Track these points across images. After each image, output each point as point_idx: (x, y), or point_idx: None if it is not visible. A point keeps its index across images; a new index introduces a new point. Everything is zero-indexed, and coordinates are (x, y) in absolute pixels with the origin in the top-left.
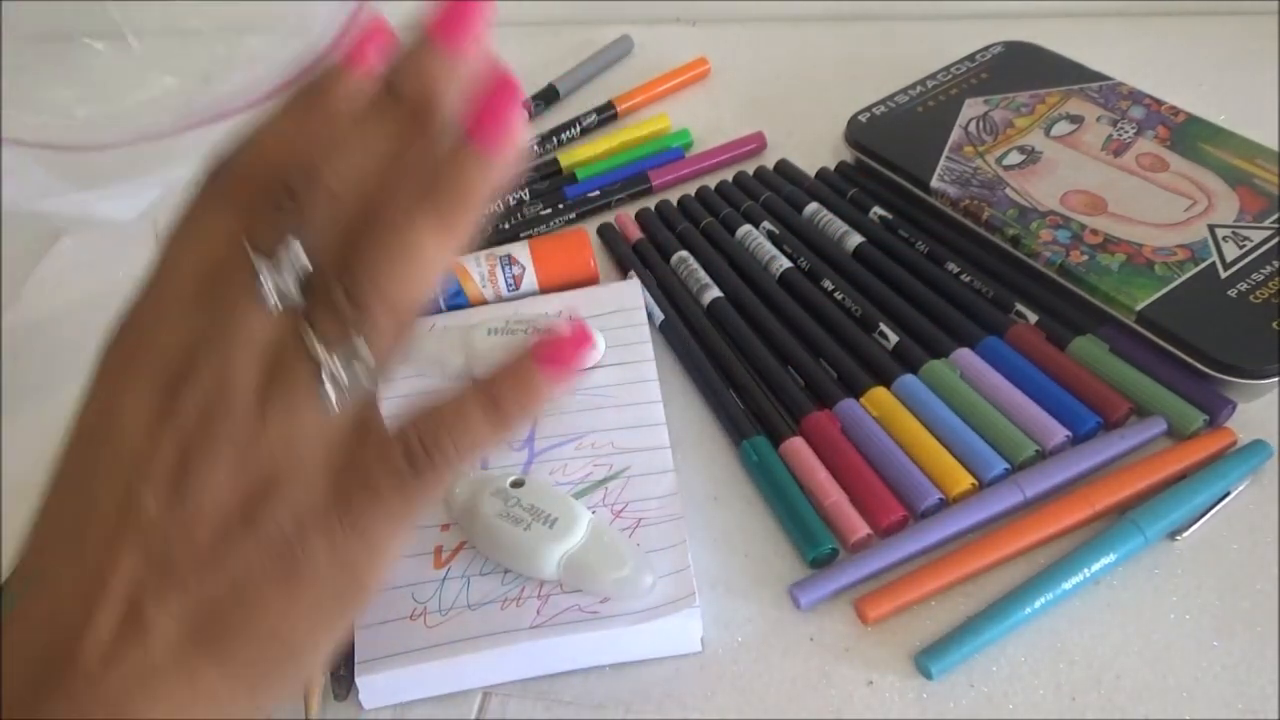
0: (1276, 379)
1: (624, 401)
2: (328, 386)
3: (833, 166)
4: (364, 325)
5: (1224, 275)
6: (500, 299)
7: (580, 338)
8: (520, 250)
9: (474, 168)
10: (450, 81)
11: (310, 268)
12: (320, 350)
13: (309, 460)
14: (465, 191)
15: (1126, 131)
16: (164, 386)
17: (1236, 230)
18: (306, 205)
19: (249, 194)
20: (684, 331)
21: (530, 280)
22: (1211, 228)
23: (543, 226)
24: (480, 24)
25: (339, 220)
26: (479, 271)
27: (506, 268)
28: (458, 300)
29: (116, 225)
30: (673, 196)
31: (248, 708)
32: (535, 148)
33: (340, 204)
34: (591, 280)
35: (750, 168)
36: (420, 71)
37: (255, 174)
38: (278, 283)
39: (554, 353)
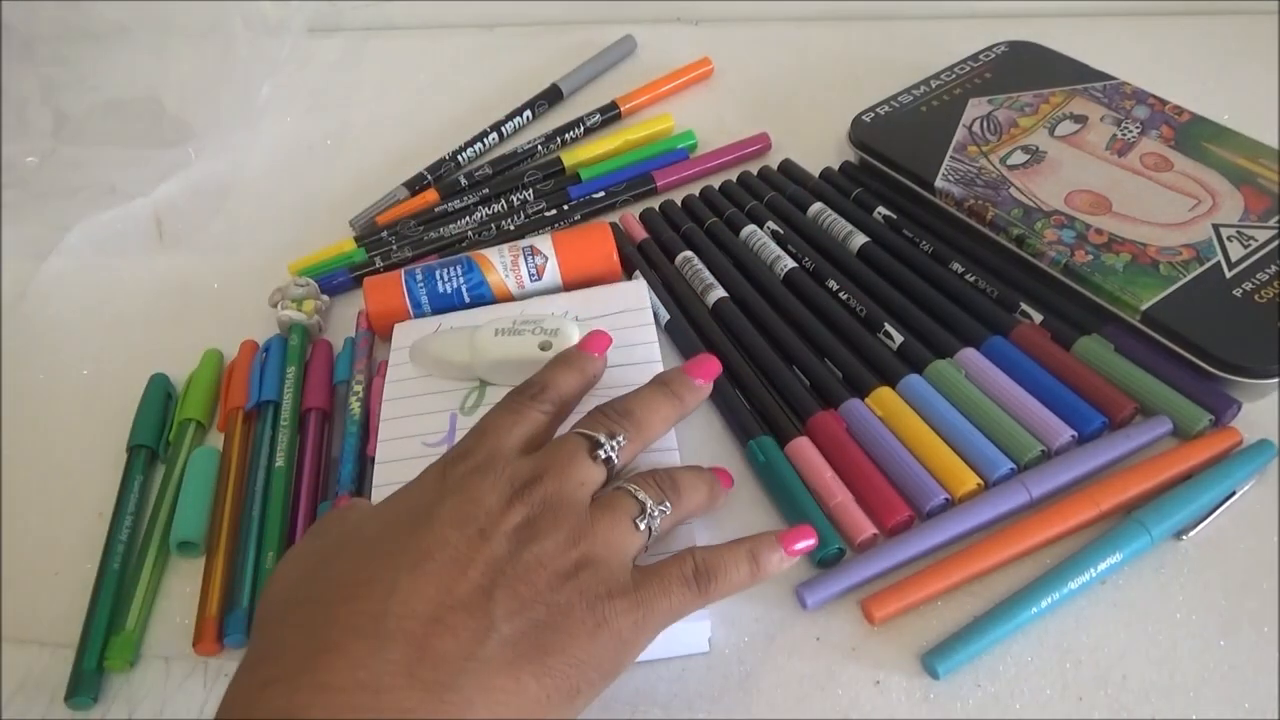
0: None
1: None
2: (642, 522)
3: (837, 166)
4: (671, 498)
5: (1229, 275)
6: (523, 289)
7: (802, 534)
8: (543, 242)
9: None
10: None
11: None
12: (645, 498)
13: (620, 555)
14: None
15: (1130, 131)
16: (518, 485)
17: (1241, 230)
18: (622, 419)
19: (559, 401)
20: (689, 331)
21: (553, 271)
22: (1216, 227)
23: (547, 227)
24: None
25: (634, 439)
26: (501, 262)
27: (529, 259)
28: (480, 291)
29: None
30: (677, 197)
31: None
32: (539, 147)
33: (638, 428)
34: (614, 273)
35: (754, 168)
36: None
37: (563, 395)
38: (609, 448)
39: (792, 537)
